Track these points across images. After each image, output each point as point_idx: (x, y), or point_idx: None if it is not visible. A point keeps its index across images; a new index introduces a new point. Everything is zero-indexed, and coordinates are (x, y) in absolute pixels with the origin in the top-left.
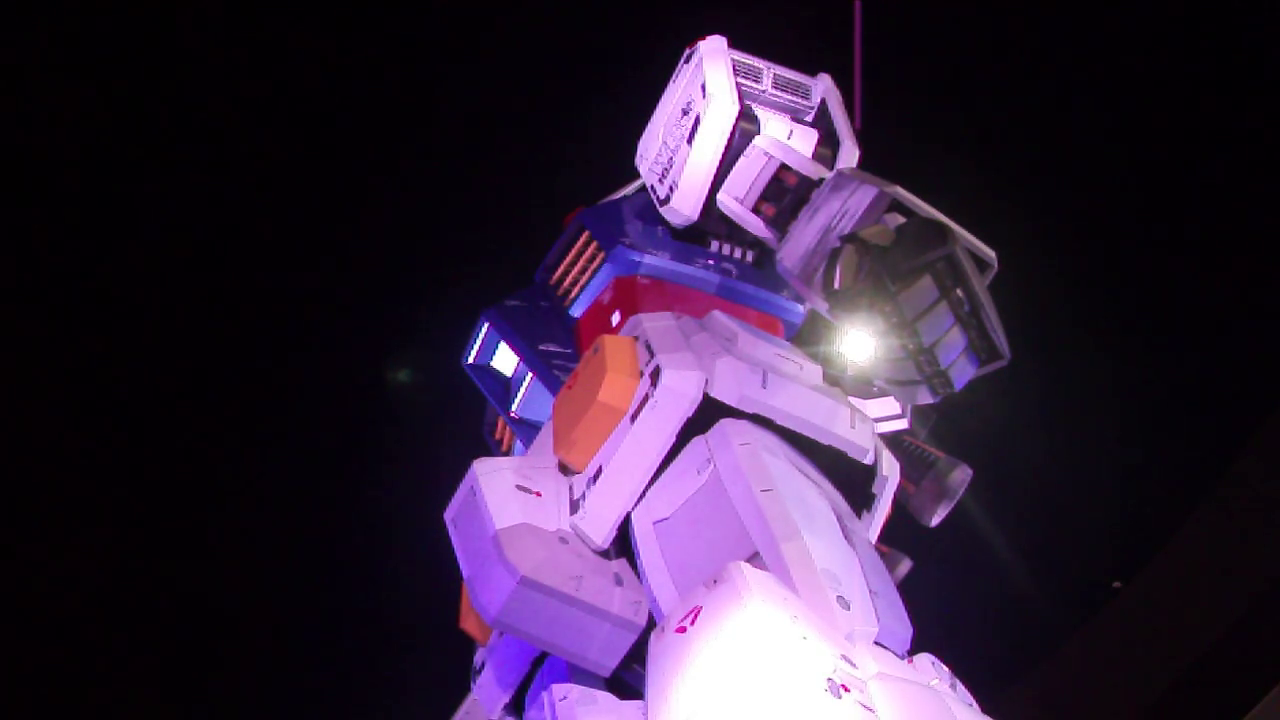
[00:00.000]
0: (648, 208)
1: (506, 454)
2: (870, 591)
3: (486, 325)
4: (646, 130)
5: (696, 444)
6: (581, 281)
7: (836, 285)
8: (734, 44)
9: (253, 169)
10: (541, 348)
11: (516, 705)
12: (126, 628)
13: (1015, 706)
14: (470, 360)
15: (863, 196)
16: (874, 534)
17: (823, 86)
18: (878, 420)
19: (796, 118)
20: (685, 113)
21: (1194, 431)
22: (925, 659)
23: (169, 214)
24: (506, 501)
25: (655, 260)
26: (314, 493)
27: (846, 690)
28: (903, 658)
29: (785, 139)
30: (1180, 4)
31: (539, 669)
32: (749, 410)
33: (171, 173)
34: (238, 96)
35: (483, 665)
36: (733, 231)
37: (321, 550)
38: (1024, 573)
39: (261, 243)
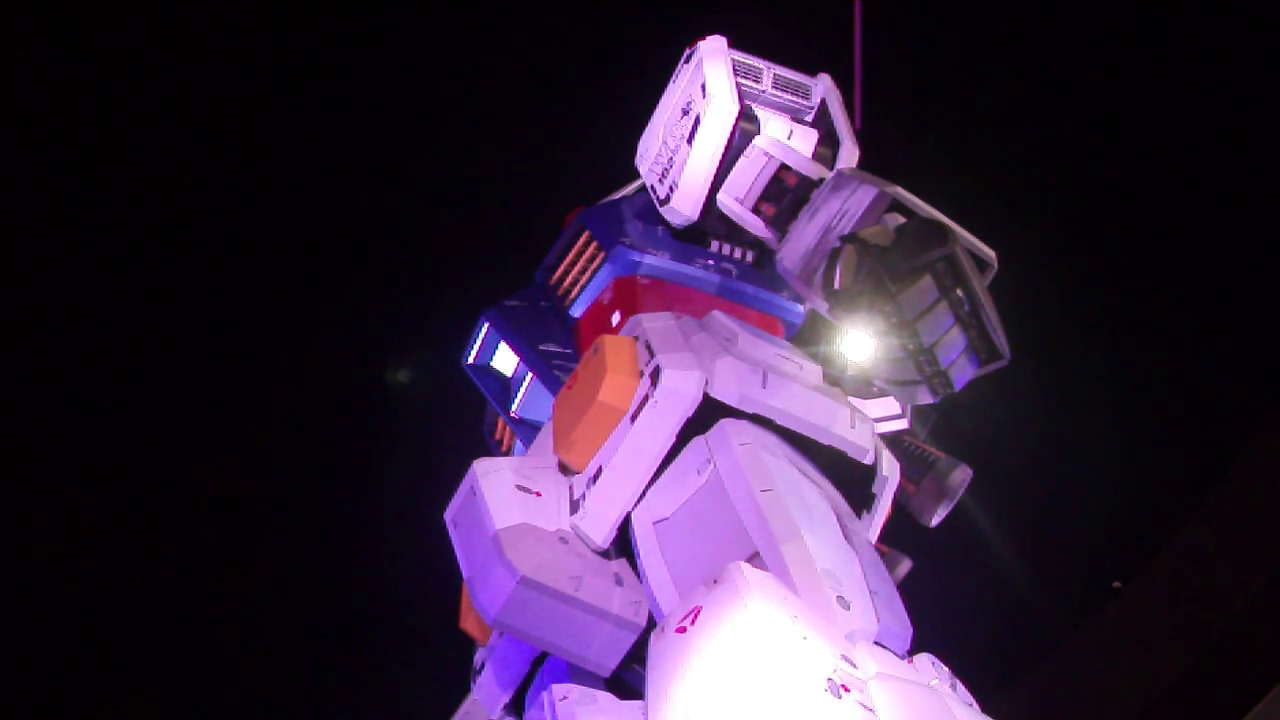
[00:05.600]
0: (648, 208)
1: (506, 454)
2: (870, 591)
3: (486, 325)
4: (646, 130)
5: (696, 444)
6: (581, 282)
7: (836, 285)
8: (734, 44)
9: (253, 168)
10: (541, 348)
11: (516, 705)
12: (124, 628)
13: (1015, 706)
14: (470, 360)
15: (863, 196)
16: (874, 534)
17: (823, 86)
18: (878, 420)
19: (796, 118)
20: (685, 113)
21: (1194, 431)
22: (925, 659)
23: (169, 213)
24: (506, 501)
25: (655, 260)
26: (314, 492)
27: (846, 690)
28: (903, 658)
29: (785, 139)
30: (1179, 6)
31: (539, 669)
32: (749, 410)
33: (172, 172)
34: (237, 96)
35: (483, 665)
36: (733, 231)
37: (321, 550)
38: (1024, 573)
39: (261, 242)
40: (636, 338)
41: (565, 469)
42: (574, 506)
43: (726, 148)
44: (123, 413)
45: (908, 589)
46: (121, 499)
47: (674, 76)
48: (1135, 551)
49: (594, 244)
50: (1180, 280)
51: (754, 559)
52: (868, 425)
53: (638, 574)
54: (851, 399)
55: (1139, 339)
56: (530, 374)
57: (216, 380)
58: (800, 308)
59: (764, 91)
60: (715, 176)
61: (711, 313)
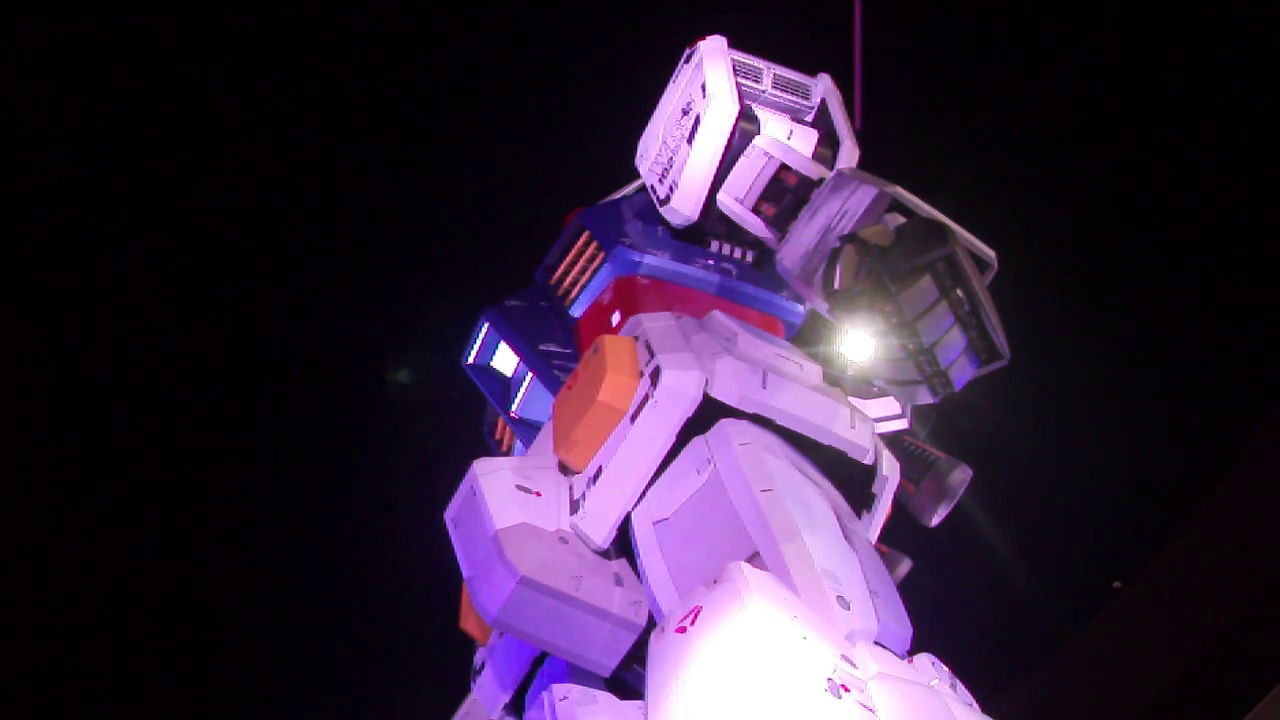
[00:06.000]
0: (648, 208)
1: (506, 454)
2: (870, 591)
3: (486, 325)
4: (646, 130)
5: (696, 444)
6: (581, 282)
7: (836, 285)
8: (734, 44)
9: (253, 169)
10: (541, 348)
11: (516, 705)
12: (125, 627)
13: (1015, 706)
14: (470, 360)
15: (863, 196)
16: (874, 534)
17: (823, 86)
18: (878, 420)
19: (796, 118)
20: (685, 113)
21: (1193, 431)
22: (925, 659)
23: (170, 214)
24: (506, 501)
25: (655, 260)
26: (314, 493)
27: (846, 690)
28: (903, 658)
29: (785, 139)
30: (1178, 6)
31: (539, 669)
32: (749, 410)
33: (172, 173)
34: (238, 96)
35: (483, 665)
36: (733, 231)
37: (322, 550)
38: (1024, 573)
39: (262, 243)
40: (636, 338)
41: (565, 469)
42: (574, 506)
43: (726, 148)
44: (123, 413)
45: (908, 589)
46: (122, 500)
47: (674, 76)
48: (1135, 551)
49: (594, 244)
50: (1180, 281)
51: (754, 559)
52: (868, 425)
53: (638, 574)
54: (851, 399)
55: (1139, 339)
56: (530, 374)
57: (217, 380)
58: (800, 308)
59: (764, 91)
60: (715, 176)
61: (711, 313)
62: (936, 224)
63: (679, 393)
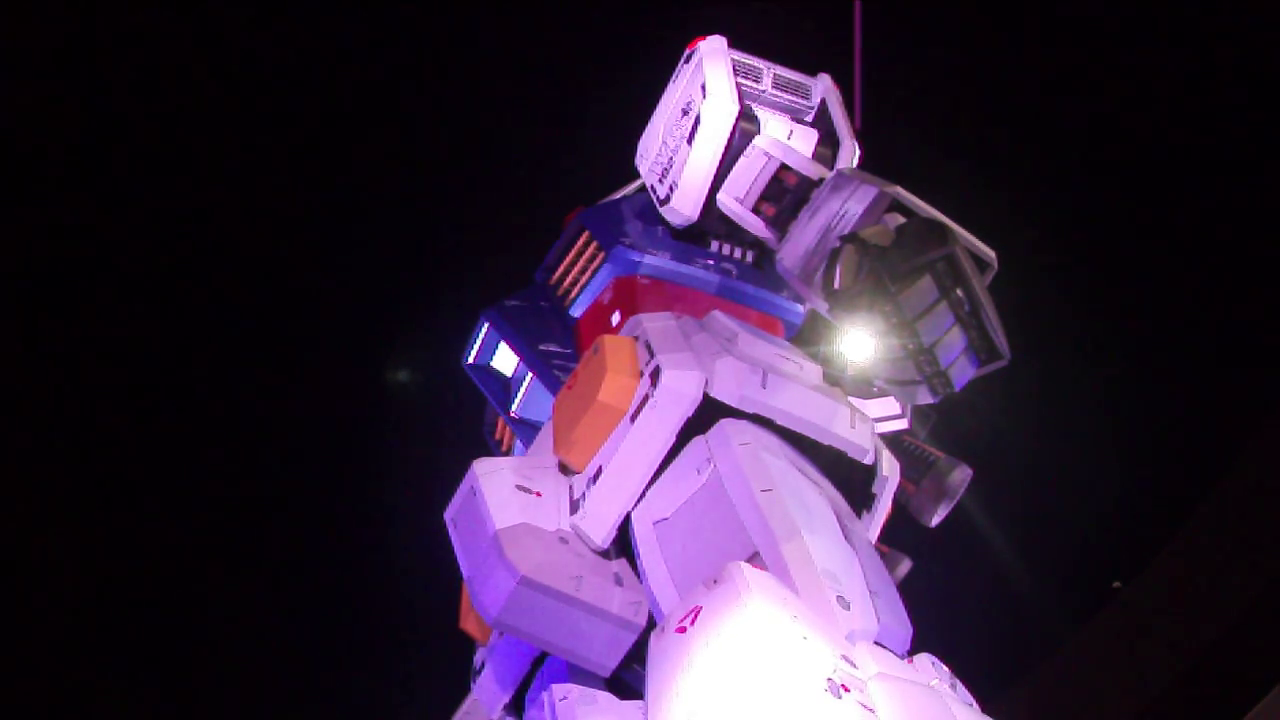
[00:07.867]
0: (648, 208)
1: (506, 454)
2: (870, 591)
3: (486, 325)
4: (646, 130)
5: (696, 444)
6: (581, 282)
7: (836, 285)
8: (734, 44)
9: (253, 168)
10: (541, 348)
11: (516, 705)
12: (125, 628)
13: (1015, 707)
14: (470, 360)
15: (863, 196)
16: (874, 534)
17: (823, 86)
18: (878, 420)
19: (796, 118)
20: (685, 113)
21: (1194, 431)
22: (925, 659)
23: (170, 214)
24: (506, 501)
25: (655, 260)
26: (314, 493)
27: (846, 690)
28: (903, 658)
29: (785, 139)
30: (1180, 6)
31: (539, 669)
32: (749, 410)
33: (171, 172)
34: (237, 95)
35: (483, 665)
36: (733, 231)
37: (322, 550)
38: (1024, 573)
39: (262, 243)
40: (636, 338)
41: (565, 469)
42: (574, 506)
43: (726, 148)
44: (123, 413)
45: (908, 589)
46: (122, 500)
47: (674, 76)
48: (1135, 551)
49: (594, 244)
50: (1181, 281)
51: (754, 559)
52: (868, 425)
53: (638, 574)
54: (851, 399)
55: (1139, 339)
56: (530, 374)
57: (217, 380)
58: (800, 308)
59: (764, 91)
60: (715, 176)
61: (711, 313)
62: (936, 224)
63: (679, 393)
